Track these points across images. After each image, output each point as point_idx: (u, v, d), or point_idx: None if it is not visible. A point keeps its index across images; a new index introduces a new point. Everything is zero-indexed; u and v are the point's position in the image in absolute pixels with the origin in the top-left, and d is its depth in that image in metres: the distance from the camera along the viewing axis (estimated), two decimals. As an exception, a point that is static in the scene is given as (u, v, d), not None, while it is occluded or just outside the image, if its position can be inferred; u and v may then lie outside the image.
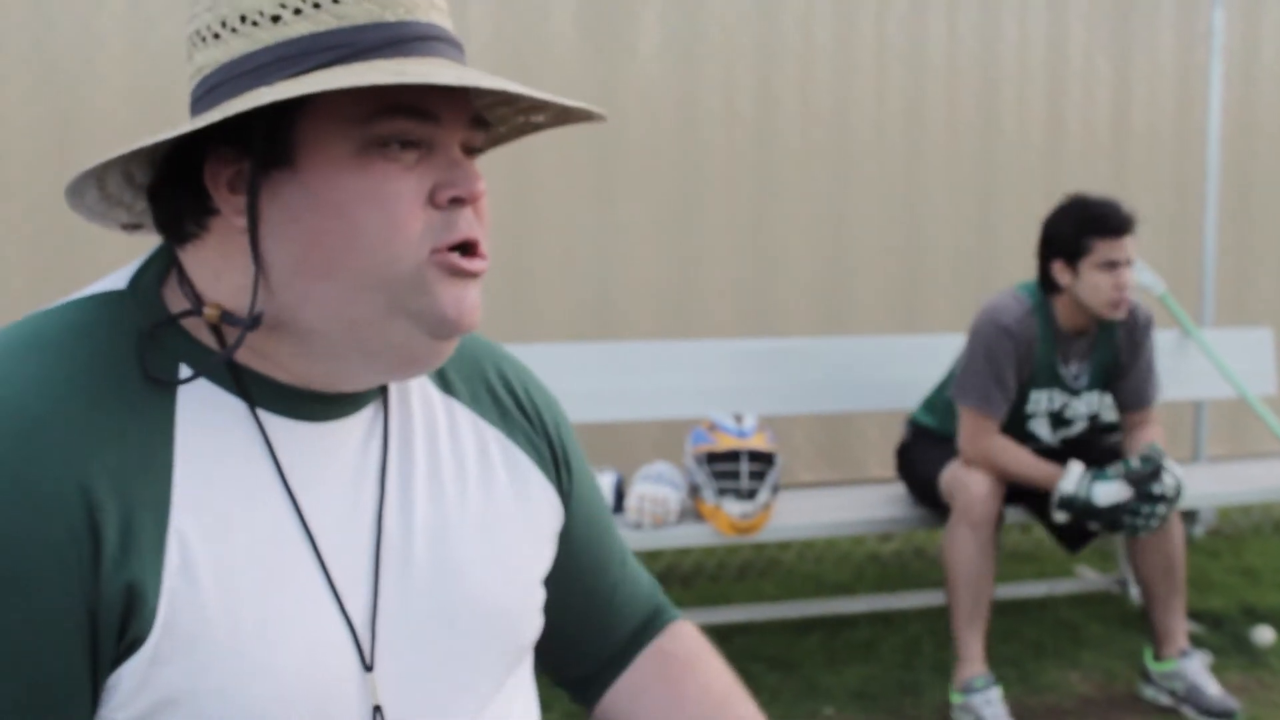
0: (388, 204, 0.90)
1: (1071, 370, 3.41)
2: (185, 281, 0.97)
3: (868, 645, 3.69)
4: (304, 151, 0.90)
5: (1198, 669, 3.28)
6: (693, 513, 3.42)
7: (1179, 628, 3.34)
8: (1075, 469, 3.23)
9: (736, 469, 3.36)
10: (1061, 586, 4.19)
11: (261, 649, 0.91)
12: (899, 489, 3.78)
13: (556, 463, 1.16)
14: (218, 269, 0.95)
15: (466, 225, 0.94)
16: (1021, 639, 3.75)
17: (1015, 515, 3.49)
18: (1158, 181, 4.78)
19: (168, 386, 0.93)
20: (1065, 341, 3.39)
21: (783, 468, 3.53)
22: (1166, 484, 3.16)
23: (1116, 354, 3.45)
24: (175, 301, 0.97)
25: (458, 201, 0.93)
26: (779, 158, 4.30)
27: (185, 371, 0.94)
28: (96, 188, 0.98)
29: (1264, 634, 3.71)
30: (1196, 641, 3.64)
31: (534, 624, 1.10)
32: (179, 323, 0.95)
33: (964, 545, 3.19)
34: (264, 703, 0.91)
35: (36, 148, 3.58)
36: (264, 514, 0.93)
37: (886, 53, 4.40)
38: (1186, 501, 3.49)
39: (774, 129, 4.29)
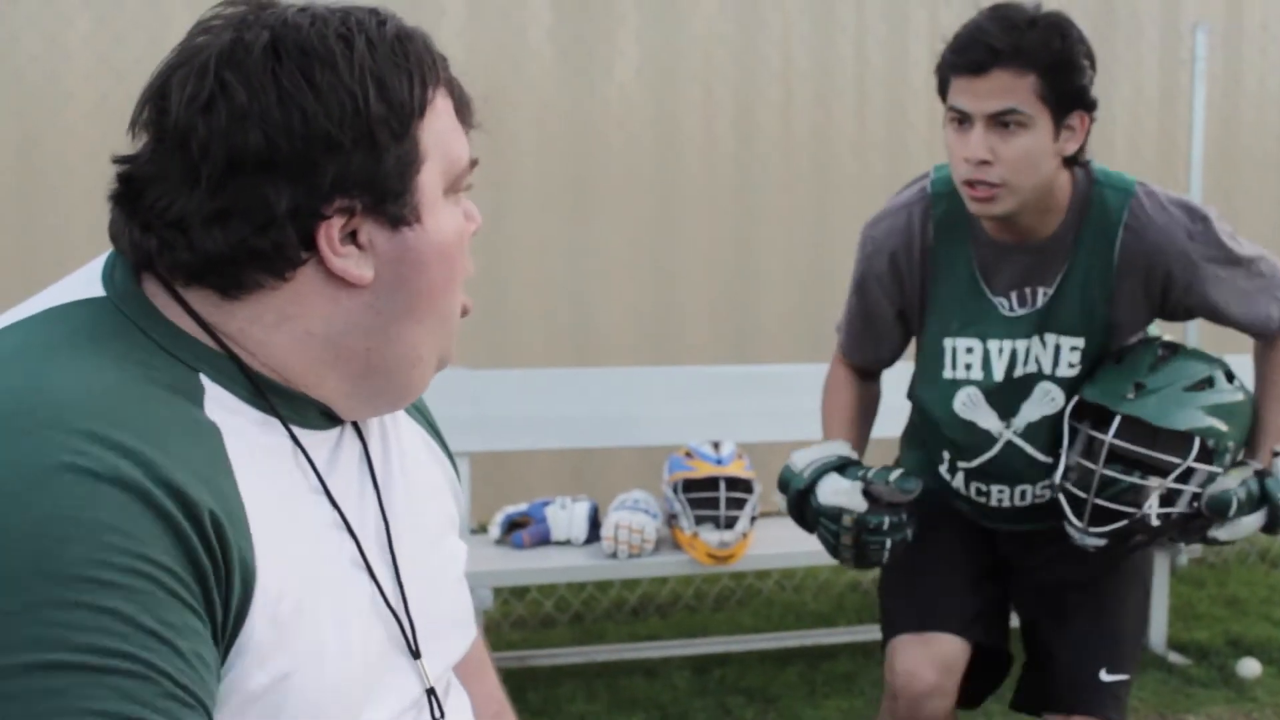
0: (465, 245, 1.00)
1: (1012, 300, 2.13)
2: (187, 308, 0.93)
3: (848, 678, 3.62)
4: (422, 204, 0.95)
5: None
6: (670, 542, 3.35)
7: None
8: (834, 448, 2.20)
9: (715, 497, 3.29)
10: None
11: (334, 647, 0.93)
12: (880, 517, 3.71)
13: (437, 432, 1.23)
14: (285, 315, 0.93)
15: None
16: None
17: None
18: (1140, 206, 4.75)
19: (194, 392, 0.91)
20: (996, 253, 2.12)
21: (762, 495, 3.45)
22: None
23: (1112, 281, 2.09)
24: (157, 300, 0.94)
25: None
26: (758, 180, 4.25)
27: (206, 380, 0.92)
28: None
29: (1249, 666, 3.66)
30: (1183, 675, 3.57)
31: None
32: (178, 326, 0.93)
33: None
34: (334, 699, 0.93)
35: (-1, 164, 3.51)
36: (316, 516, 0.96)
37: (867, 76, 4.36)
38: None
39: (753, 151, 4.24)
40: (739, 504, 3.30)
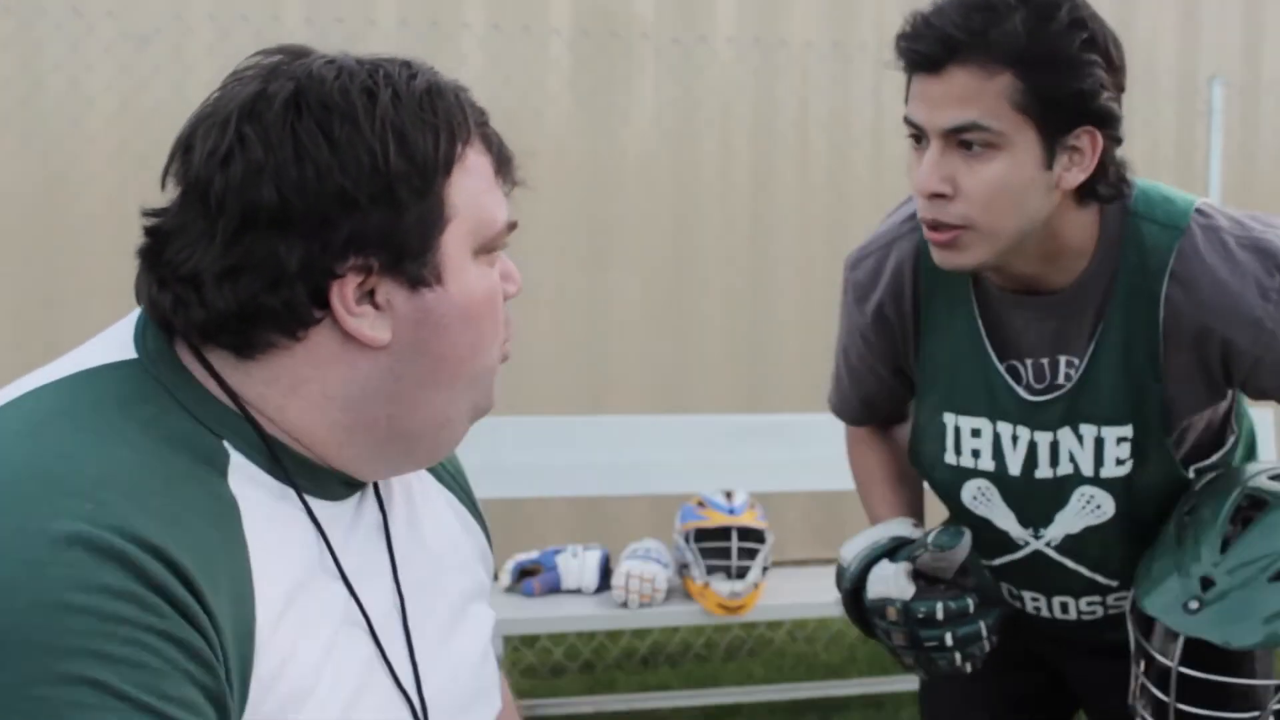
0: (498, 308, 0.96)
1: (1028, 373, 1.55)
2: (211, 371, 0.91)
3: (860, 731, 3.58)
4: (446, 265, 0.91)
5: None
6: (681, 591, 3.33)
7: None
8: (888, 529, 1.67)
9: (726, 547, 3.28)
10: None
11: None
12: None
13: (470, 498, 1.18)
14: (300, 378, 0.90)
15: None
16: None
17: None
18: (1157, 258, 4.74)
19: (219, 461, 0.89)
20: (1003, 306, 1.54)
21: (775, 545, 3.44)
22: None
23: (1159, 349, 1.47)
24: (186, 362, 0.91)
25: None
26: (774, 229, 4.26)
27: (231, 449, 0.90)
28: None
29: None
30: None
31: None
32: (206, 389, 0.90)
33: None
34: None
35: (22, 207, 3.53)
36: (328, 598, 0.92)
37: (883, 125, 4.37)
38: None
39: (769, 200, 4.25)
40: (751, 554, 3.28)
